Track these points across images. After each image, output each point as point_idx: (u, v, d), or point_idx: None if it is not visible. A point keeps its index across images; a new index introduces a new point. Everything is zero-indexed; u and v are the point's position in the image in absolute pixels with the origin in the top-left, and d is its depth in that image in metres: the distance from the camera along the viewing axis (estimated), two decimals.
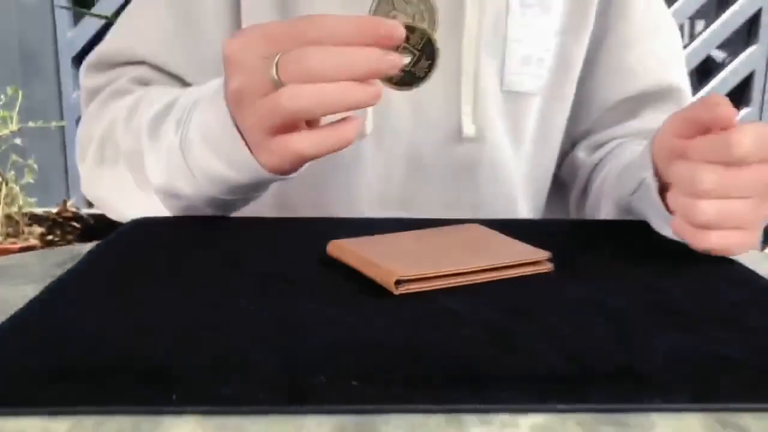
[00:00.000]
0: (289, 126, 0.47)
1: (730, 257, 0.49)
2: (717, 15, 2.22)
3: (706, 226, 0.47)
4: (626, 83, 0.75)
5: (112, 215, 0.67)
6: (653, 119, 0.73)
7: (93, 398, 0.28)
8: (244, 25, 0.69)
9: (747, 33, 2.25)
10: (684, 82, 0.76)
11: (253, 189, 0.55)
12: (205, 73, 0.68)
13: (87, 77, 0.72)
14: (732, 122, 0.45)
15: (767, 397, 0.30)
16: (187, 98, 0.57)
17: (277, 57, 0.44)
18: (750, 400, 0.29)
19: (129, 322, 0.36)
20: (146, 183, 0.59)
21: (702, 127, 0.47)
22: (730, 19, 2.21)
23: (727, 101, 0.45)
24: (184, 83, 0.70)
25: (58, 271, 0.45)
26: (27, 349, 0.33)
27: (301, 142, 0.47)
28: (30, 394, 0.29)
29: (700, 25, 2.30)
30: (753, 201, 0.46)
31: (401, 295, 0.40)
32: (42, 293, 0.40)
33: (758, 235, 0.48)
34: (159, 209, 0.60)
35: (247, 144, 0.50)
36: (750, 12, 2.20)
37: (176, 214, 0.59)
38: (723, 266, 0.48)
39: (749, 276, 0.46)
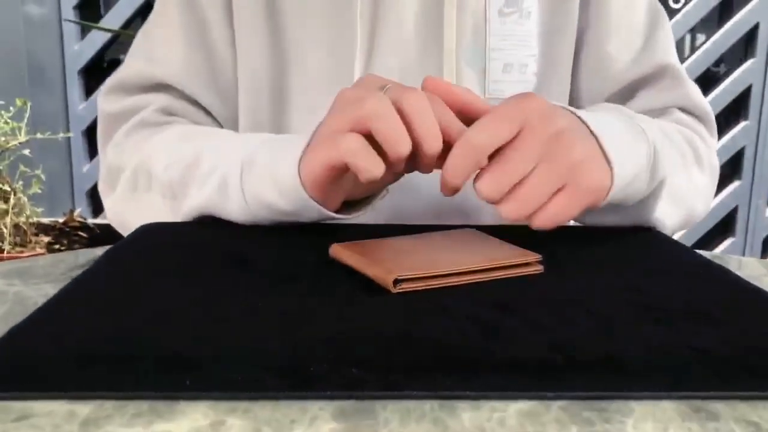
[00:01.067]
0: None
1: (720, 264, 0.51)
2: (718, 29, 2.24)
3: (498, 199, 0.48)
4: (609, 72, 0.74)
5: None
6: (649, 99, 0.74)
7: (114, 383, 0.31)
8: (237, 29, 0.71)
9: (745, 47, 2.27)
10: (672, 57, 0.75)
11: (296, 218, 0.57)
12: (215, 94, 0.71)
13: (107, 102, 0.73)
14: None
15: (736, 385, 0.32)
16: (250, 140, 0.61)
17: (389, 86, 0.50)
18: (721, 388, 0.31)
19: (145, 315, 0.38)
20: (179, 210, 0.62)
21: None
22: (729, 32, 2.23)
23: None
24: (201, 108, 0.73)
25: (74, 273, 0.47)
26: (53, 339, 0.35)
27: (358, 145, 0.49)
28: (56, 379, 0.31)
29: (700, 38, 2.32)
30: (534, 168, 0.48)
31: (398, 292, 0.42)
32: (63, 290, 0.42)
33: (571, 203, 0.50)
34: None
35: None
36: (748, 27, 2.22)
37: None
38: (701, 267, 0.50)
39: (725, 275, 0.48)
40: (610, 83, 0.75)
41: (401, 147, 0.48)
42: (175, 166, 0.62)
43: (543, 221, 0.50)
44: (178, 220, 0.62)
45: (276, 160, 0.55)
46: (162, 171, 0.63)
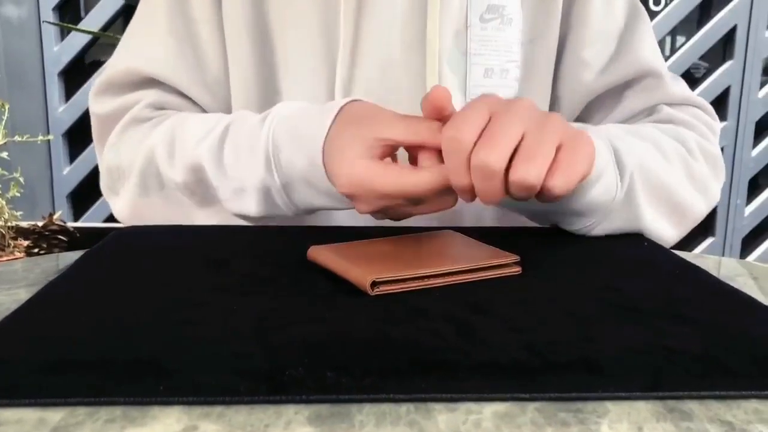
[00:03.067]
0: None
1: (697, 265, 0.52)
2: (698, 30, 2.27)
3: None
4: (583, 79, 0.75)
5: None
6: (635, 101, 0.74)
7: (86, 390, 0.30)
8: (226, 27, 0.71)
9: (723, 49, 2.30)
10: (652, 56, 0.75)
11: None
12: (201, 87, 0.72)
13: (97, 104, 0.73)
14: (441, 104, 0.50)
15: (710, 385, 0.32)
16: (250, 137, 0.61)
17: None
18: (694, 388, 0.32)
19: (119, 320, 0.38)
20: (209, 203, 0.64)
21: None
22: (708, 34, 2.26)
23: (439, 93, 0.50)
24: (190, 100, 0.73)
25: (51, 277, 0.47)
26: (24, 346, 0.34)
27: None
28: (27, 386, 0.31)
29: (680, 40, 2.35)
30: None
31: (375, 295, 0.42)
32: (36, 295, 0.42)
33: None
34: (222, 219, 0.64)
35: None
36: (726, 29, 2.25)
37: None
38: (678, 267, 0.51)
39: (701, 276, 0.49)
40: (585, 90, 0.75)
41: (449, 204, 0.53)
42: (179, 166, 0.64)
43: (562, 178, 0.47)
44: (213, 209, 0.64)
45: (316, 183, 0.57)
46: (169, 170, 0.65)
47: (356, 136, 0.53)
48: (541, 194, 0.48)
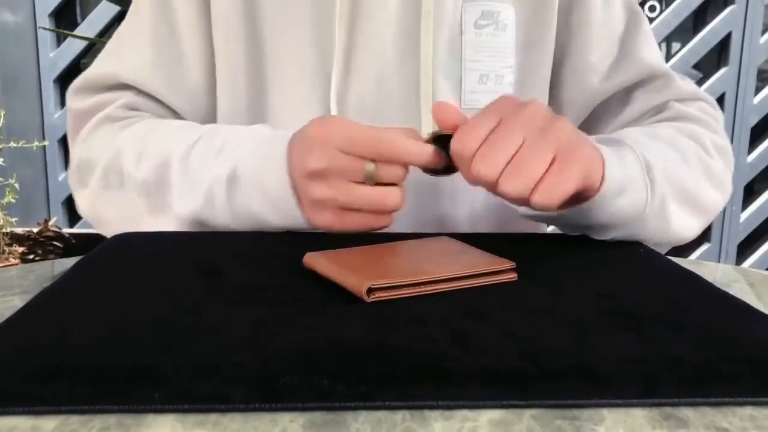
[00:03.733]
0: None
1: (692, 271, 0.52)
2: (693, 37, 2.28)
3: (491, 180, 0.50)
4: (591, 82, 0.75)
5: (110, 235, 0.69)
6: (646, 100, 0.74)
7: (79, 398, 0.30)
8: (215, 36, 0.72)
9: (719, 55, 2.31)
10: (656, 57, 0.76)
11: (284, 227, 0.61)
12: (181, 95, 0.73)
13: (75, 100, 0.75)
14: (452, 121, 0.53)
15: (706, 391, 0.32)
16: (222, 139, 0.63)
17: (374, 165, 0.55)
18: (689, 394, 0.32)
19: (113, 328, 0.38)
20: (160, 209, 0.64)
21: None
22: (703, 41, 2.27)
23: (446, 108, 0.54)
24: (167, 107, 0.74)
25: (45, 284, 0.47)
26: (17, 353, 0.34)
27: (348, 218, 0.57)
28: (20, 394, 0.30)
29: (676, 46, 2.36)
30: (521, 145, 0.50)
31: (371, 301, 0.42)
32: (30, 302, 0.42)
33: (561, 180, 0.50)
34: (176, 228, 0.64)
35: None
36: (721, 36, 2.26)
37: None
38: (673, 274, 0.51)
39: (696, 283, 0.48)
40: (592, 94, 0.76)
41: (385, 224, 0.57)
42: (146, 165, 0.64)
43: (544, 195, 0.50)
44: (162, 220, 0.64)
45: (266, 180, 0.59)
46: (133, 168, 0.65)
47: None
48: (530, 205, 0.51)
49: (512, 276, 0.47)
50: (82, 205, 0.73)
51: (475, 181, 0.52)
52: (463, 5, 0.70)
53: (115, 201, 0.68)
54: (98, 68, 0.74)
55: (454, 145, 0.52)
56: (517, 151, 0.50)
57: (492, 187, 0.51)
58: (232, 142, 0.62)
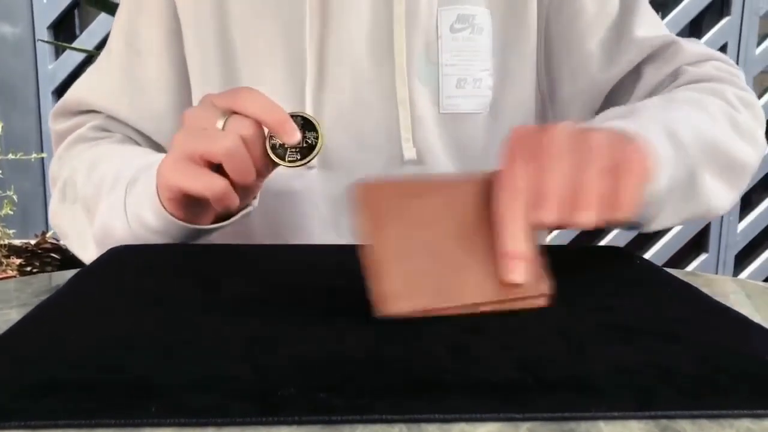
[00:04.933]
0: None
1: (686, 282, 0.52)
2: None
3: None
4: (593, 70, 0.74)
5: (70, 249, 0.74)
6: (657, 72, 0.73)
7: (76, 412, 0.30)
8: (189, 55, 0.75)
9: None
10: (660, 30, 0.74)
11: (169, 238, 0.62)
12: (148, 123, 0.76)
13: (55, 122, 0.80)
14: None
15: (703, 404, 0.32)
16: (144, 163, 0.65)
17: (227, 117, 0.56)
18: (686, 407, 0.32)
19: (110, 341, 0.38)
20: (93, 228, 0.67)
21: None
22: None
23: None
24: (134, 129, 0.77)
25: (42, 297, 0.47)
26: (14, 367, 0.34)
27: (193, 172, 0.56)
28: (16, 408, 0.30)
29: None
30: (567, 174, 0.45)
31: (367, 312, 0.42)
32: (26, 316, 0.42)
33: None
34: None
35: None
36: (716, 47, 2.27)
37: None
38: (670, 286, 0.51)
39: (693, 294, 0.49)
40: (598, 84, 0.74)
41: (248, 178, 0.56)
42: (89, 183, 0.68)
43: (622, 209, 0.45)
44: (93, 236, 0.67)
45: (150, 177, 0.60)
46: (81, 185, 0.69)
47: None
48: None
49: (542, 303, 0.43)
50: (50, 217, 0.77)
51: (526, 249, 0.43)
52: (438, 10, 0.70)
53: (69, 214, 0.71)
54: (72, 95, 0.79)
55: (498, 210, 0.43)
56: (569, 182, 0.44)
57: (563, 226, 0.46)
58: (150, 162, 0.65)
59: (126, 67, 0.76)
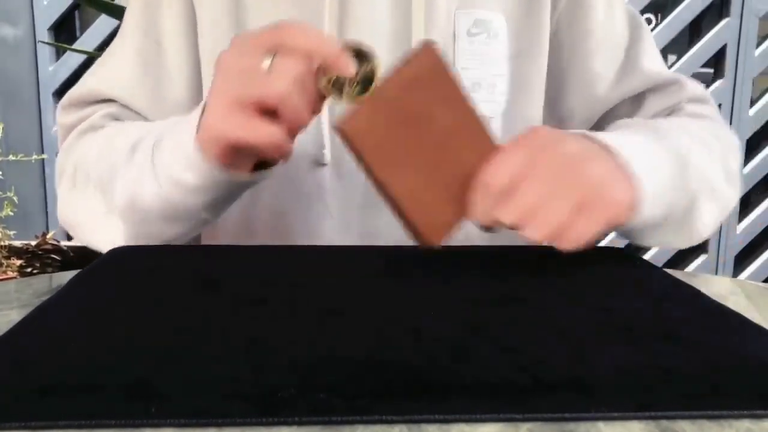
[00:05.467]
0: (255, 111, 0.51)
1: (685, 282, 0.52)
2: (688, 50, 2.29)
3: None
4: (597, 90, 0.76)
5: (81, 239, 0.70)
6: (659, 103, 0.75)
7: (76, 413, 0.30)
8: (202, 51, 0.73)
9: (714, 67, 2.32)
10: (661, 63, 0.77)
11: (206, 196, 0.58)
12: (165, 112, 0.73)
13: (63, 116, 0.77)
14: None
15: (703, 405, 0.32)
16: (166, 122, 0.61)
17: (274, 56, 0.50)
18: (686, 407, 0.32)
19: (110, 342, 0.38)
20: (113, 204, 0.63)
21: None
22: (698, 53, 2.28)
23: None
24: (148, 119, 0.74)
25: (43, 298, 0.47)
26: (12, 368, 0.34)
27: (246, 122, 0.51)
28: (17, 409, 0.30)
29: (671, 59, 2.37)
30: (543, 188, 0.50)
31: (367, 313, 0.42)
32: (27, 317, 0.42)
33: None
34: (120, 232, 0.63)
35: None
36: (716, 48, 2.27)
37: (134, 236, 0.62)
38: (669, 287, 0.51)
39: (692, 295, 0.49)
40: (598, 102, 0.76)
41: (305, 122, 0.52)
42: (103, 161, 0.64)
43: (568, 245, 0.50)
44: (113, 216, 0.63)
45: (180, 133, 0.57)
46: (94, 165, 0.65)
47: None
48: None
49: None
50: (58, 208, 0.73)
51: (494, 222, 0.51)
52: (456, 13, 0.71)
53: (81, 201, 0.68)
54: (83, 85, 0.76)
55: (481, 179, 0.51)
56: (541, 198, 0.49)
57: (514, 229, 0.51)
58: (170, 123, 0.61)
59: (144, 56, 0.74)
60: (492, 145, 0.52)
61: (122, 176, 0.61)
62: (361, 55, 0.51)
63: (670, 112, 0.75)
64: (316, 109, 0.53)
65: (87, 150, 0.68)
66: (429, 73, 0.49)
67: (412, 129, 0.49)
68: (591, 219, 0.51)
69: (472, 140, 0.51)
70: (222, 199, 0.59)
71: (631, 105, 0.77)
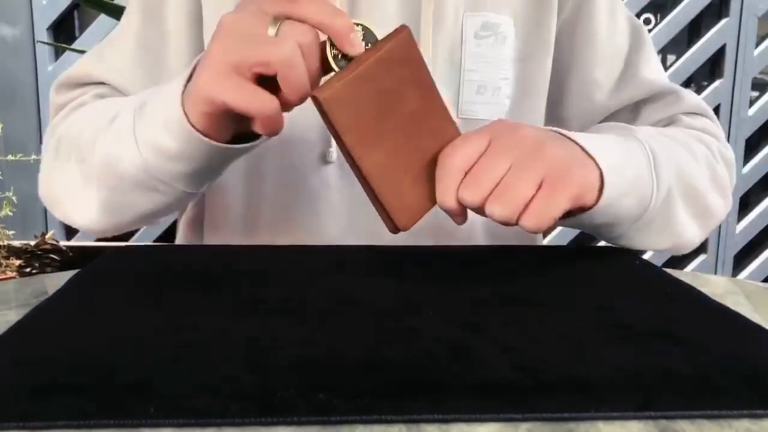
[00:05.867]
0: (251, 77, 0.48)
1: (686, 282, 0.52)
2: (687, 50, 2.29)
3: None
4: (595, 98, 0.76)
5: (59, 214, 0.68)
6: (655, 113, 0.75)
7: (74, 413, 0.30)
8: (206, 30, 0.71)
9: (713, 67, 2.32)
10: (662, 74, 0.77)
11: (187, 164, 0.55)
12: None
13: (56, 95, 0.76)
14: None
15: (702, 404, 0.32)
16: (151, 91, 0.59)
17: (280, 23, 0.48)
18: (685, 407, 0.32)
19: (109, 342, 0.38)
20: (91, 173, 0.60)
21: None
22: (697, 53, 2.28)
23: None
24: None
25: (41, 298, 0.47)
26: (11, 368, 0.34)
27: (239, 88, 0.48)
28: (15, 410, 0.30)
29: (671, 59, 2.37)
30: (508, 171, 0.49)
31: (366, 313, 0.42)
32: (25, 317, 0.42)
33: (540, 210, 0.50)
34: (96, 203, 0.61)
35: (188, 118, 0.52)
36: (715, 48, 2.27)
37: (110, 206, 0.60)
38: (669, 286, 0.51)
39: (692, 295, 0.49)
40: (596, 109, 0.76)
41: (303, 94, 0.48)
42: (87, 128, 0.62)
43: (531, 220, 0.49)
44: (90, 187, 0.61)
45: (165, 95, 0.54)
46: (77, 135, 0.63)
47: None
48: (518, 227, 0.50)
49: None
50: (39, 185, 0.71)
51: (456, 203, 0.50)
52: (464, 15, 0.71)
53: (59, 173, 0.66)
54: (80, 66, 0.75)
55: (440, 163, 0.51)
56: (504, 175, 0.49)
57: (478, 210, 0.50)
58: (155, 90, 0.59)
59: (145, 44, 0.73)
60: (458, 132, 0.53)
61: (102, 140, 0.59)
62: (368, 34, 0.51)
63: (667, 123, 0.75)
64: (314, 84, 0.50)
65: (71, 124, 0.67)
66: (403, 55, 0.49)
67: (386, 108, 0.49)
68: (555, 195, 0.50)
69: (440, 126, 0.52)
70: (201, 171, 0.56)
71: (629, 114, 0.77)
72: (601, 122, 0.77)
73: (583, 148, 0.55)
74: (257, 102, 0.48)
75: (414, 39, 0.49)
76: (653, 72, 0.77)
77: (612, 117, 0.77)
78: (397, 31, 0.49)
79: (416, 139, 0.50)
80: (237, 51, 0.48)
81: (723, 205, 0.70)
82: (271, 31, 0.47)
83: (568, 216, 0.55)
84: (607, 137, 0.59)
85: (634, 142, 0.60)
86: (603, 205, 0.55)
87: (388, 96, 0.49)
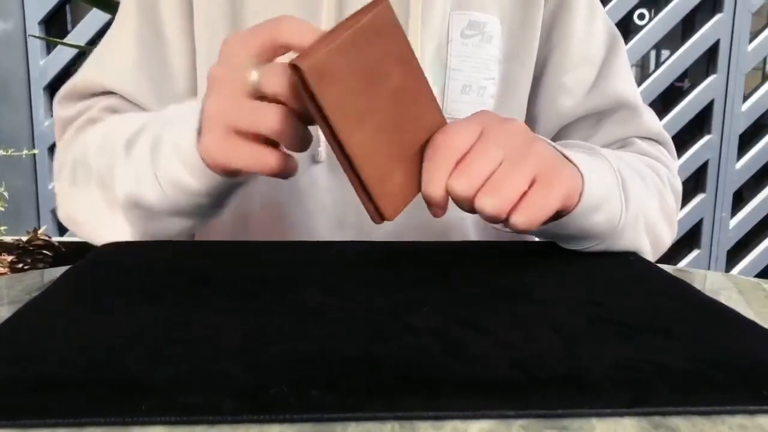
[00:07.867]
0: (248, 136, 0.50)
1: (685, 281, 0.52)
2: (681, 45, 2.30)
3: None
4: (564, 103, 0.75)
5: (84, 236, 0.68)
6: (611, 131, 0.75)
7: (66, 410, 0.30)
8: (197, 39, 0.71)
9: (707, 63, 2.33)
10: (628, 87, 0.76)
11: (211, 198, 0.57)
12: (164, 100, 0.71)
13: (60, 108, 0.75)
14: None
15: (696, 400, 0.32)
16: (162, 117, 0.60)
17: (260, 68, 0.48)
18: (679, 403, 0.32)
19: (100, 338, 0.37)
20: (115, 201, 0.61)
21: None
22: (691, 49, 2.29)
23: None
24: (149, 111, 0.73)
25: (32, 294, 0.46)
26: (3, 365, 0.34)
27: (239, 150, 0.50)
28: (6, 406, 0.30)
29: (665, 54, 2.38)
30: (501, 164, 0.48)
31: (359, 309, 0.41)
32: (16, 313, 0.41)
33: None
34: (125, 228, 0.61)
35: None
36: (709, 43, 2.28)
37: (140, 231, 0.61)
38: (664, 282, 0.51)
39: (686, 291, 0.49)
40: (561, 114, 0.76)
41: (306, 145, 0.50)
42: (103, 154, 0.62)
43: (523, 216, 0.48)
44: (117, 212, 0.61)
45: (180, 136, 0.55)
46: (94, 159, 0.63)
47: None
48: (507, 225, 0.49)
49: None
50: (58, 207, 0.71)
51: (443, 192, 0.48)
52: (451, 14, 0.71)
53: (82, 197, 0.66)
54: (82, 76, 0.74)
55: (429, 150, 0.48)
56: (496, 168, 0.48)
57: (467, 203, 0.48)
58: (166, 118, 0.59)
59: (145, 46, 0.72)
60: (441, 115, 0.49)
61: (120, 174, 0.60)
62: None
63: (622, 145, 0.75)
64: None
65: (85, 145, 0.67)
66: (384, 27, 0.46)
67: (370, 84, 0.45)
68: (548, 191, 0.49)
69: (424, 106, 0.49)
70: (225, 195, 0.59)
71: (590, 127, 0.76)
72: (563, 128, 0.77)
73: (562, 153, 0.54)
74: (262, 162, 0.49)
75: (393, 11, 0.46)
76: (623, 84, 0.76)
77: (575, 124, 0.77)
78: (375, 2, 0.45)
79: (400, 119, 0.47)
80: (231, 113, 0.49)
81: (669, 234, 0.69)
82: (253, 77, 0.48)
83: (550, 219, 0.54)
84: (583, 154, 0.58)
85: (603, 161, 0.59)
86: (577, 214, 0.54)
87: (371, 70, 0.45)
